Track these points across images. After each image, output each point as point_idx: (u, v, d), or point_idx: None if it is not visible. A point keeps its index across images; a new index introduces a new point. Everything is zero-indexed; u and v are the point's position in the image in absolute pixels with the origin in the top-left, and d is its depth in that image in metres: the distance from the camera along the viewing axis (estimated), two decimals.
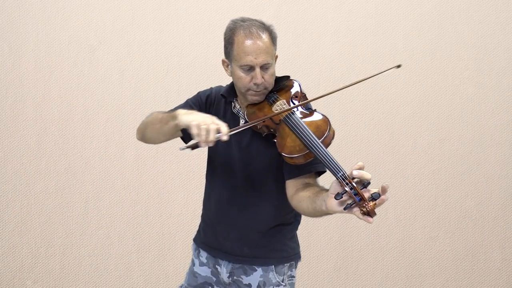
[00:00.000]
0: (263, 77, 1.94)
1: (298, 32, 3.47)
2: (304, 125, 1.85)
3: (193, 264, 2.24)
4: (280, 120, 1.91)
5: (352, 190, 1.68)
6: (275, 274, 2.09)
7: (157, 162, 3.47)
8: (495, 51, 3.55)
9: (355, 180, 1.70)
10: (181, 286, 2.27)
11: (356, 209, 1.64)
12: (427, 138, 3.56)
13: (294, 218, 2.16)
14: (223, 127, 1.75)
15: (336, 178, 1.71)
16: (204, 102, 2.15)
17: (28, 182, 3.41)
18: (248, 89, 1.97)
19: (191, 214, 3.45)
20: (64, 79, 3.40)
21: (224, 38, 2.02)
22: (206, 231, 2.20)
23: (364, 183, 1.71)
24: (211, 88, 2.21)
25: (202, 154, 3.40)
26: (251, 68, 1.94)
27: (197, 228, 2.31)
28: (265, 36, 1.94)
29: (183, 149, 1.81)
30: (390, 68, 1.97)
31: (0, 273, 3.43)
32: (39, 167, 3.41)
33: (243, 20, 1.99)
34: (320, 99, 1.93)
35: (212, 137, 1.73)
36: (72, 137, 3.41)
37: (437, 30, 3.52)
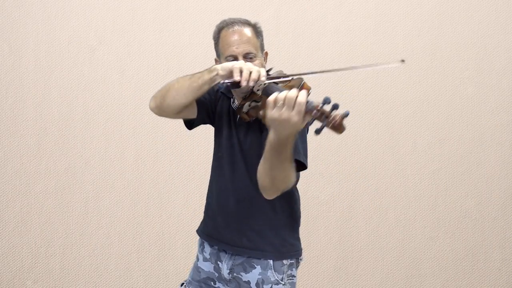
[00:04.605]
0: None
1: (298, 32, 3.47)
2: (280, 87, 1.92)
3: (197, 259, 2.29)
4: (261, 94, 1.97)
5: (317, 112, 1.67)
6: (273, 272, 2.10)
7: (157, 162, 3.47)
8: (495, 51, 3.55)
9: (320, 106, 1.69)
10: (184, 282, 2.31)
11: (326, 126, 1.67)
12: (427, 138, 3.56)
13: (292, 218, 2.18)
14: (263, 70, 1.95)
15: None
16: (215, 93, 2.25)
17: (28, 182, 3.41)
18: None
19: (191, 214, 3.46)
20: (64, 79, 3.40)
21: (213, 38, 2.16)
22: (208, 222, 2.25)
23: (334, 105, 1.67)
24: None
25: (202, 154, 3.41)
26: (235, 59, 2.05)
27: (197, 225, 2.34)
28: (246, 29, 2.09)
29: (224, 83, 1.96)
30: (392, 63, 1.97)
31: (0, 273, 3.43)
32: (39, 167, 3.41)
33: (228, 19, 2.14)
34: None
35: (255, 75, 1.93)
36: (72, 137, 3.42)
37: (437, 30, 3.53)
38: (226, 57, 2.07)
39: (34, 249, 3.43)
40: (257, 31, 2.12)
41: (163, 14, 3.42)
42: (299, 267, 2.22)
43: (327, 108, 1.66)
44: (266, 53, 2.18)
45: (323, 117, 1.66)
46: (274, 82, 1.97)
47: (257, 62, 2.06)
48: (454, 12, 3.52)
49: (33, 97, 3.38)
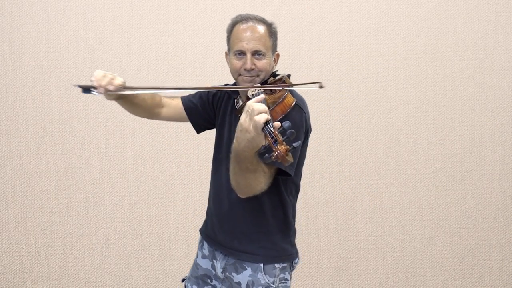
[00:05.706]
0: (255, 64, 2.04)
1: (298, 32, 3.47)
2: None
3: (196, 255, 2.31)
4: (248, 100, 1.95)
5: (271, 138, 1.68)
6: (263, 275, 2.10)
7: (157, 162, 3.47)
8: (495, 51, 3.55)
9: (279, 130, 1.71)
10: (185, 277, 2.34)
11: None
12: (427, 138, 3.56)
13: (284, 223, 2.16)
14: (118, 80, 2.00)
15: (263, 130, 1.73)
16: (211, 96, 2.27)
17: (28, 182, 3.41)
18: (239, 74, 2.07)
19: (191, 214, 3.46)
20: (64, 79, 3.40)
21: (226, 31, 2.15)
22: (207, 222, 2.28)
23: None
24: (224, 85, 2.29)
25: (202, 154, 3.41)
26: (242, 54, 2.05)
27: (197, 227, 2.35)
28: (260, 27, 2.07)
29: (76, 86, 2.02)
30: (311, 83, 1.99)
31: (0, 273, 3.43)
32: (39, 167, 3.41)
33: (245, 14, 2.13)
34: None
35: (105, 82, 1.97)
36: (72, 137, 3.42)
37: (437, 30, 3.53)
38: (234, 51, 2.06)
39: (34, 249, 3.43)
40: (271, 31, 2.10)
41: (163, 14, 3.42)
42: (294, 270, 2.21)
43: (282, 136, 1.66)
44: (278, 55, 2.15)
45: (275, 144, 1.66)
46: (269, 90, 1.96)
47: (264, 61, 2.05)
48: (454, 12, 3.52)
49: (33, 97, 3.38)
